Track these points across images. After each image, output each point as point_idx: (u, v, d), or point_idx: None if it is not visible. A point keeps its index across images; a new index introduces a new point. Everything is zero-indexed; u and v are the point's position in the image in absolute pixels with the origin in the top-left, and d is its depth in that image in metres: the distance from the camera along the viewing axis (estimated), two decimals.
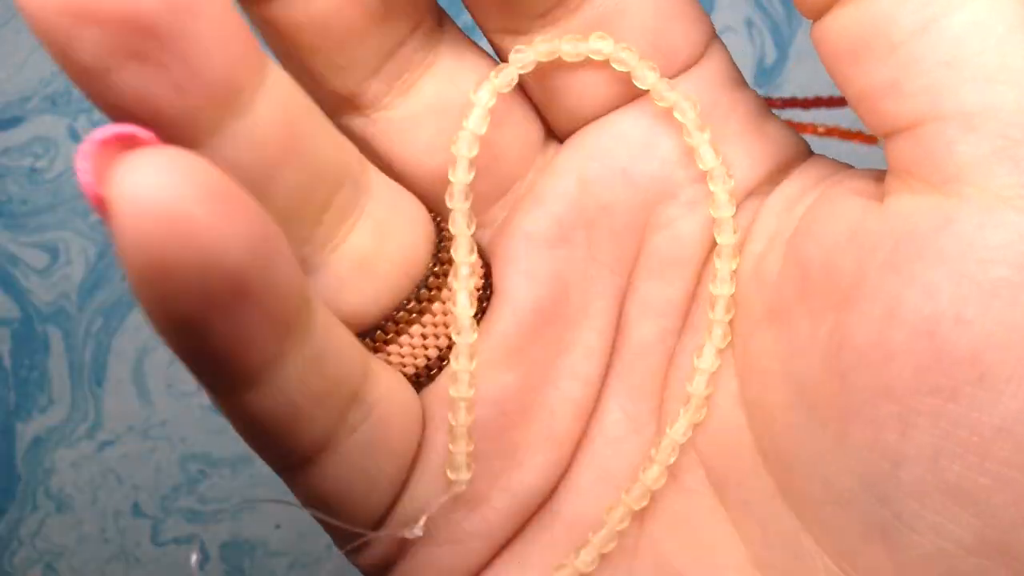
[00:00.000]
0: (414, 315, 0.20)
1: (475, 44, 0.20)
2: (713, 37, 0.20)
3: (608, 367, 0.21)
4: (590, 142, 0.20)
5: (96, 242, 0.37)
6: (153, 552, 0.35)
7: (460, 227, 0.20)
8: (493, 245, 0.21)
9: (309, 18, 0.18)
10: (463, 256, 0.20)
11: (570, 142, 0.20)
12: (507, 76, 0.19)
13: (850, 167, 0.20)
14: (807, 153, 0.21)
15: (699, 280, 0.20)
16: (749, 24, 0.43)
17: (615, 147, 0.20)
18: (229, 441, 0.36)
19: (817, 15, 0.18)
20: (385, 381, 0.19)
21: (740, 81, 0.20)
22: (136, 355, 0.36)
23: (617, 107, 0.20)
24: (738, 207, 0.20)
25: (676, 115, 0.20)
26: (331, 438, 0.18)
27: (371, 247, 0.19)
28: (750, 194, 0.20)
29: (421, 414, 0.20)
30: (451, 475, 0.20)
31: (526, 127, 0.20)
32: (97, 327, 0.36)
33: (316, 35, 0.18)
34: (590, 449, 0.21)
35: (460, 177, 0.20)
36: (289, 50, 0.19)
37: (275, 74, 0.17)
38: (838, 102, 0.41)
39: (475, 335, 0.20)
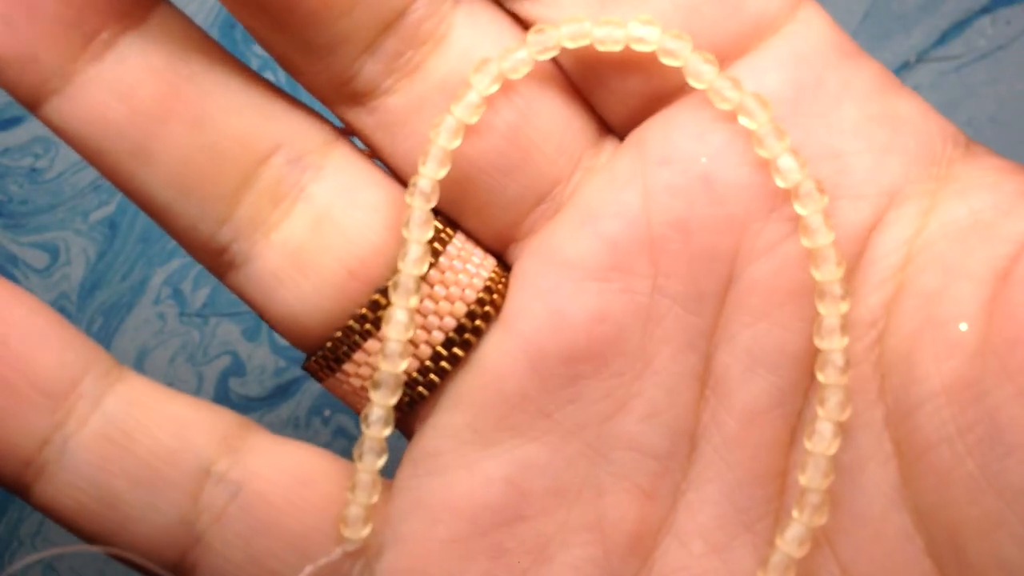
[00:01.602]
0: (369, 326, 0.17)
1: (502, 8, 0.17)
2: None
3: (692, 437, 0.16)
4: (657, 140, 0.16)
5: (96, 242, 0.37)
6: None
7: (414, 231, 0.16)
8: (520, 268, 0.17)
9: None
10: (410, 266, 0.16)
11: (631, 140, 0.16)
12: (515, 61, 0.16)
13: None
14: (966, 142, 0.16)
15: None
16: None
17: (691, 147, 0.16)
18: None
19: None
20: (262, 451, 0.16)
21: (851, 50, 0.16)
22: (136, 355, 0.36)
23: (688, 94, 0.16)
24: (879, 222, 0.15)
25: (742, 120, 0.15)
26: (185, 529, 0.16)
27: (307, 236, 0.17)
28: (891, 203, 0.15)
29: (333, 474, 0.17)
30: (344, 532, 0.16)
31: (567, 117, 0.16)
32: (97, 327, 0.36)
33: (288, 6, 0.15)
34: (670, 551, 0.16)
35: (428, 171, 0.16)
36: (266, 33, 0.16)
37: (158, 22, 0.15)
38: None
39: (404, 362, 0.16)
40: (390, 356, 0.16)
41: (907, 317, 0.15)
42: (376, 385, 0.16)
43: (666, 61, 0.16)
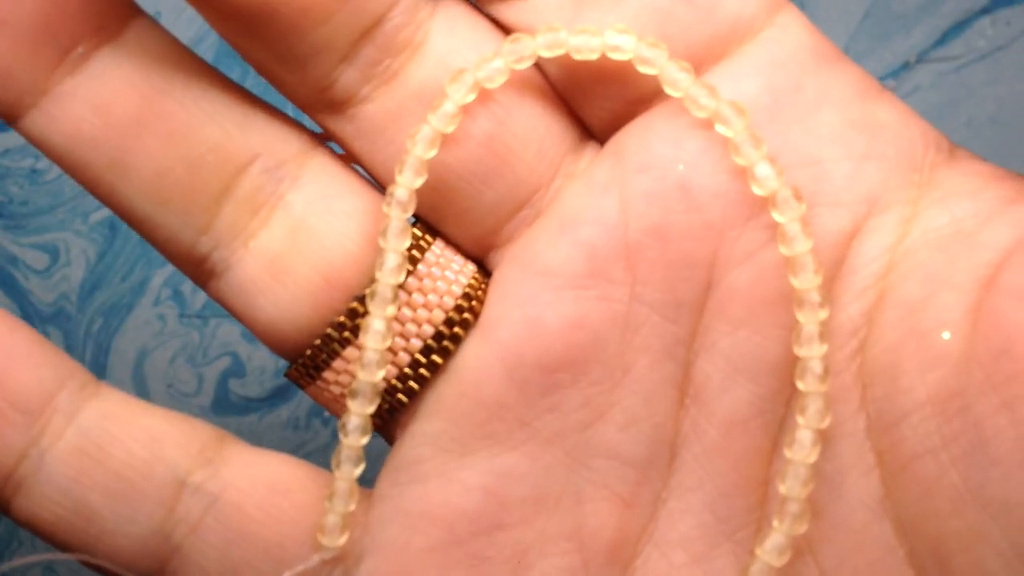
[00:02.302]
0: (347, 334, 0.17)
1: (480, 13, 0.17)
2: (781, 1, 0.16)
3: (672, 446, 0.16)
4: (635, 147, 0.16)
5: (96, 243, 0.37)
6: None
7: (391, 240, 0.16)
8: (500, 275, 0.16)
9: None
10: (387, 276, 0.16)
11: (610, 147, 0.16)
12: (491, 71, 0.16)
13: None
14: (949, 147, 0.16)
15: None
16: None
17: (668, 154, 0.16)
18: None
19: None
20: (238, 462, 0.16)
21: (830, 55, 0.16)
22: (136, 356, 0.36)
23: (668, 98, 0.16)
24: (858, 230, 0.15)
25: (719, 128, 0.15)
26: (162, 540, 0.16)
27: (285, 245, 0.17)
28: (871, 211, 0.15)
29: (310, 484, 0.16)
30: (322, 540, 0.16)
31: (546, 123, 0.16)
32: (97, 328, 0.36)
33: (265, 17, 0.15)
34: (651, 560, 0.16)
35: (405, 180, 0.16)
36: (243, 43, 0.16)
37: (134, 35, 0.15)
38: None
39: (381, 372, 0.16)
40: (367, 365, 0.16)
41: (890, 327, 0.15)
42: (354, 394, 0.16)
43: (642, 69, 0.16)
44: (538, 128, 0.16)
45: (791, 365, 0.15)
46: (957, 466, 0.14)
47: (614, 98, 0.16)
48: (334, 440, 0.31)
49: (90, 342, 0.36)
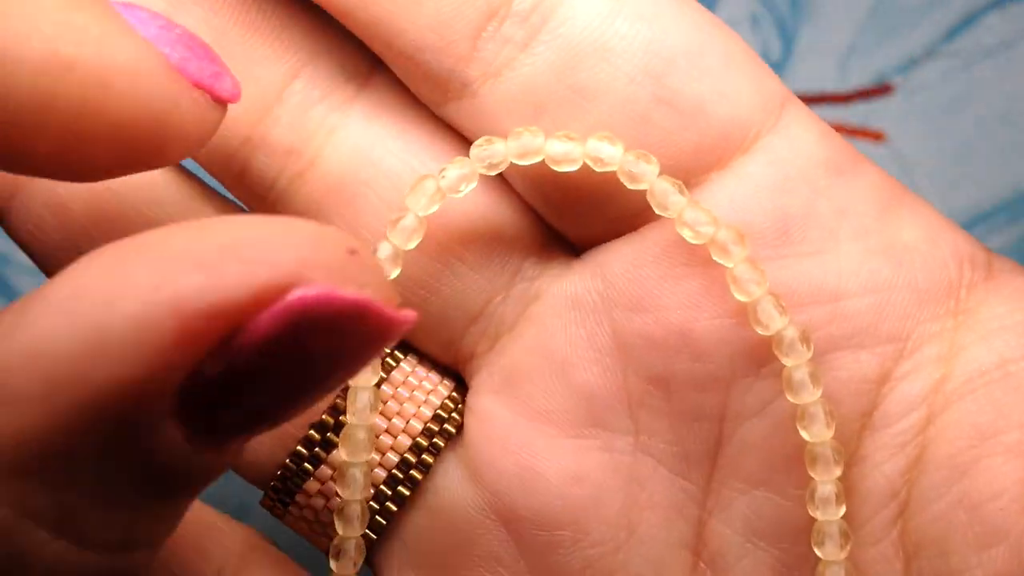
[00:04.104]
0: (306, 465, 0.16)
1: (411, 97, 0.15)
2: (783, 100, 0.14)
3: None
4: (624, 279, 0.14)
5: None
6: None
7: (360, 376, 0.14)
8: (483, 407, 0.15)
9: None
10: (359, 418, 0.15)
11: (592, 267, 0.15)
12: (457, 178, 0.14)
13: None
14: (986, 259, 0.14)
15: None
16: (753, 19, 0.42)
17: (666, 292, 0.14)
18: None
19: None
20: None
21: (845, 164, 0.14)
22: None
23: (656, 217, 0.14)
24: (889, 375, 0.14)
25: (716, 258, 0.14)
26: None
27: None
28: (901, 353, 0.14)
29: None
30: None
31: (501, 222, 0.15)
32: None
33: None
34: None
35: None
36: None
37: None
38: (844, 98, 0.40)
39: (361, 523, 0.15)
40: (346, 508, 0.15)
41: (935, 492, 0.14)
42: (340, 513, 0.15)
43: (629, 185, 0.14)
44: (491, 229, 0.15)
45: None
46: None
47: (593, 214, 0.15)
48: None
49: None
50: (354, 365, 0.11)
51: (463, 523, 0.15)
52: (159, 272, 0.09)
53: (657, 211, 0.14)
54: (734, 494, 0.14)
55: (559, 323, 0.15)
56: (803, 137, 0.14)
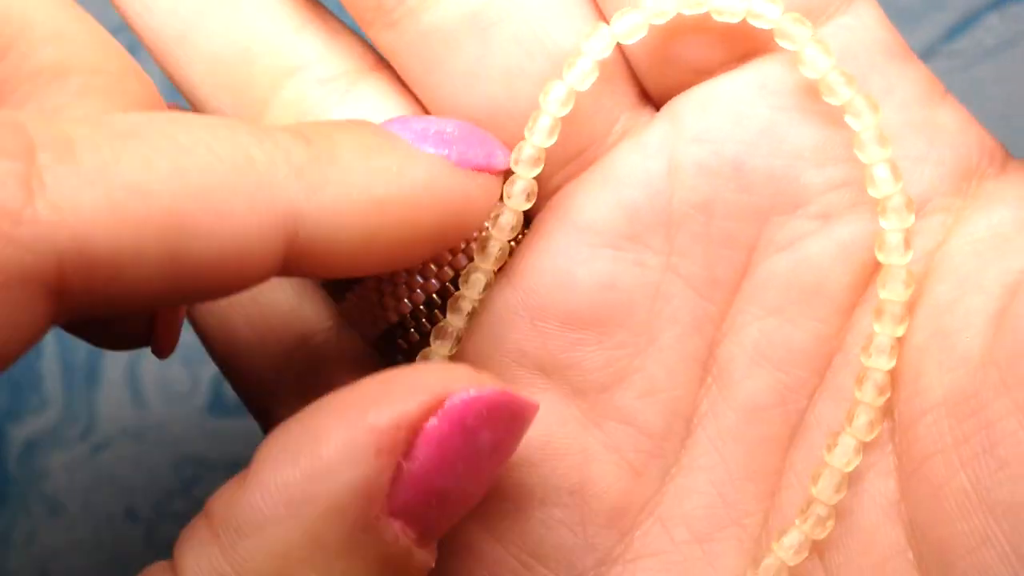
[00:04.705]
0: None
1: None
2: None
3: (689, 422, 0.16)
4: (693, 116, 0.16)
5: None
6: (147, 556, 0.34)
7: (515, 199, 0.16)
8: (537, 223, 0.16)
9: None
10: (487, 262, 0.16)
11: (665, 112, 0.16)
12: (630, 25, 0.15)
13: None
14: (1003, 157, 0.16)
15: (842, 326, 0.15)
16: None
17: (727, 128, 0.15)
18: (224, 444, 0.36)
19: None
20: None
21: (900, 52, 0.16)
22: (130, 356, 0.36)
23: (728, 65, 0.16)
24: (905, 232, 0.15)
25: (848, 119, 0.15)
26: None
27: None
28: (921, 211, 0.15)
29: None
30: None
31: (608, 77, 0.16)
32: None
33: None
34: (651, 533, 0.16)
35: (537, 140, 0.16)
36: None
37: None
38: None
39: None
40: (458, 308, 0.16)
41: (919, 328, 0.15)
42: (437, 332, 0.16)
43: (756, 24, 0.15)
44: (598, 81, 0.16)
45: (820, 357, 0.15)
46: (966, 468, 0.14)
47: (679, 64, 0.16)
48: None
49: (83, 343, 0.36)
50: (510, 445, 0.13)
51: (495, 317, 0.16)
52: (354, 410, 0.13)
53: (803, 71, 0.15)
54: (749, 319, 0.15)
55: (623, 151, 0.16)
56: (869, 21, 0.15)
